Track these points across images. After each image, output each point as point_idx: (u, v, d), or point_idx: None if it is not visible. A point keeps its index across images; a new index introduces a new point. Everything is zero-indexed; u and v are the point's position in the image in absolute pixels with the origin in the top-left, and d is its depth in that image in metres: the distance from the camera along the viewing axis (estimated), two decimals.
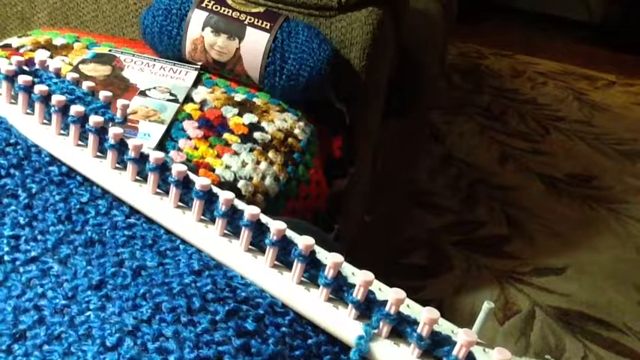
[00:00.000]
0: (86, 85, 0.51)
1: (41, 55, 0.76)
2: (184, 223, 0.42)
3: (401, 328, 0.36)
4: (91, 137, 0.45)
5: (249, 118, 0.74)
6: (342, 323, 0.37)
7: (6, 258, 0.40)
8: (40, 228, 0.41)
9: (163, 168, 0.43)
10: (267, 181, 0.69)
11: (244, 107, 0.75)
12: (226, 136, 0.71)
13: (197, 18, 0.77)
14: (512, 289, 1.43)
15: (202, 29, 0.77)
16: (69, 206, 0.43)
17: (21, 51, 0.77)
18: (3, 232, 0.41)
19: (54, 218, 0.42)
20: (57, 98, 0.45)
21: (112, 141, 0.43)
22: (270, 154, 0.71)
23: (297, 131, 0.75)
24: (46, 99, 0.46)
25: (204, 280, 0.38)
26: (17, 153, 0.46)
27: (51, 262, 0.39)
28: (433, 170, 1.88)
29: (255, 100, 0.77)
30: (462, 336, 0.34)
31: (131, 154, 0.43)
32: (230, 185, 0.66)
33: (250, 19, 0.77)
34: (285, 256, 0.39)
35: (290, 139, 0.74)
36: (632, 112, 2.49)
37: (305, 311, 0.38)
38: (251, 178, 0.68)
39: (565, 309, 1.39)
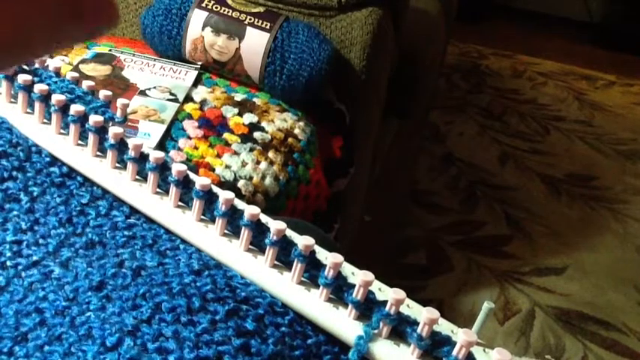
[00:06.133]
0: (86, 84, 0.51)
1: None
2: (184, 222, 0.42)
3: (401, 328, 0.36)
4: (91, 137, 0.45)
5: (249, 118, 0.74)
6: (342, 323, 0.37)
7: (8, 263, 0.40)
8: (41, 232, 0.41)
9: (163, 167, 0.43)
10: (267, 181, 0.69)
11: (244, 107, 0.75)
12: (226, 135, 0.71)
13: (197, 18, 0.77)
14: (512, 289, 1.43)
15: (202, 29, 0.77)
16: (69, 209, 0.43)
17: None
18: (5, 237, 0.41)
19: (55, 222, 0.42)
20: (57, 97, 0.45)
21: (111, 140, 0.43)
22: (270, 154, 0.71)
23: (297, 131, 0.75)
24: (45, 98, 0.46)
25: (203, 279, 0.38)
26: (18, 155, 0.46)
27: (52, 265, 0.39)
28: (433, 170, 1.88)
29: (255, 100, 0.77)
30: (461, 336, 0.34)
31: (131, 153, 0.43)
32: (230, 185, 0.66)
33: (250, 19, 0.77)
34: (285, 256, 0.39)
35: (290, 139, 0.74)
36: (632, 112, 2.49)
37: (305, 311, 0.38)
38: (251, 178, 0.68)
39: (565, 309, 1.39)
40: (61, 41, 0.23)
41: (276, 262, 0.39)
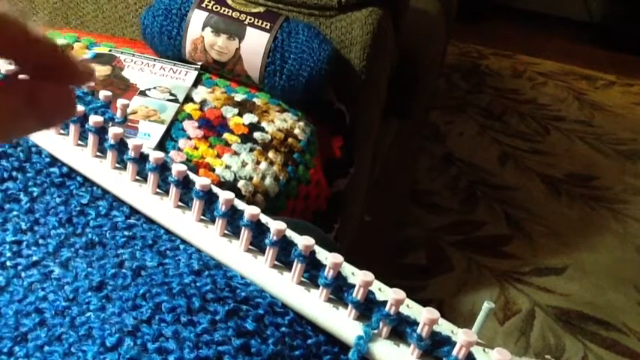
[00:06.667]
0: (86, 84, 0.51)
1: None
2: (184, 223, 0.42)
3: (401, 328, 0.36)
4: (91, 137, 0.45)
5: (249, 118, 0.74)
6: (342, 323, 0.37)
7: (8, 264, 0.40)
8: (41, 232, 0.41)
9: (163, 168, 0.43)
10: (267, 181, 0.69)
11: (244, 107, 0.75)
12: (226, 136, 0.71)
13: (197, 18, 0.77)
14: (512, 289, 1.43)
15: (202, 29, 0.77)
16: (69, 209, 0.43)
17: None
18: (5, 238, 0.41)
19: (55, 222, 0.42)
20: None
21: (111, 141, 0.43)
22: (270, 154, 0.71)
23: (297, 131, 0.75)
24: None
25: (203, 280, 0.38)
26: (18, 155, 0.46)
27: (52, 265, 0.39)
28: (433, 170, 1.88)
29: (255, 100, 0.77)
30: (461, 336, 0.34)
31: (131, 154, 0.43)
32: (230, 185, 0.66)
33: (250, 19, 0.77)
34: (285, 256, 0.39)
35: (290, 139, 0.74)
36: (632, 112, 2.49)
37: (305, 311, 0.38)
38: (251, 178, 0.68)
39: (565, 309, 1.39)
40: (18, 133, 0.26)
41: (276, 263, 0.39)
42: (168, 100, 0.73)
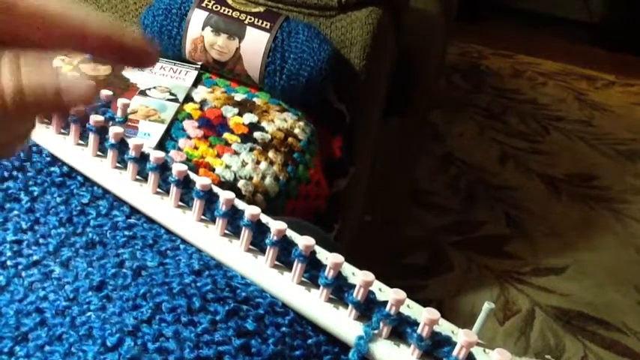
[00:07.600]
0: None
1: None
2: (185, 222, 0.42)
3: (401, 328, 0.36)
4: (92, 136, 0.45)
5: (249, 117, 0.74)
6: (342, 323, 0.37)
7: (9, 263, 0.40)
8: (41, 232, 0.41)
9: (164, 167, 0.43)
10: (267, 180, 0.69)
11: (244, 107, 0.75)
12: (226, 135, 0.71)
13: (197, 18, 0.77)
14: (512, 289, 1.43)
15: (202, 29, 0.77)
16: (70, 208, 0.43)
17: None
18: (6, 237, 0.41)
19: (55, 221, 0.42)
20: None
21: (112, 140, 0.43)
22: (270, 154, 0.71)
23: (297, 131, 0.75)
24: None
25: (204, 280, 0.38)
26: (19, 154, 0.46)
27: (52, 265, 0.39)
28: (433, 170, 1.88)
29: (255, 100, 0.77)
30: (462, 337, 0.34)
31: (131, 153, 0.43)
32: (230, 185, 0.66)
33: (250, 19, 0.77)
34: (285, 256, 0.39)
35: (290, 139, 0.74)
36: (632, 112, 2.49)
37: (305, 311, 0.38)
38: (251, 178, 0.68)
39: (565, 309, 1.39)
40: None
41: (276, 263, 0.39)
42: (169, 99, 0.73)
